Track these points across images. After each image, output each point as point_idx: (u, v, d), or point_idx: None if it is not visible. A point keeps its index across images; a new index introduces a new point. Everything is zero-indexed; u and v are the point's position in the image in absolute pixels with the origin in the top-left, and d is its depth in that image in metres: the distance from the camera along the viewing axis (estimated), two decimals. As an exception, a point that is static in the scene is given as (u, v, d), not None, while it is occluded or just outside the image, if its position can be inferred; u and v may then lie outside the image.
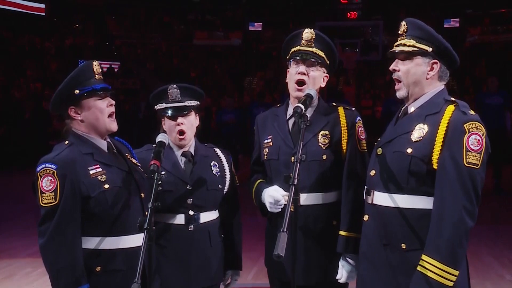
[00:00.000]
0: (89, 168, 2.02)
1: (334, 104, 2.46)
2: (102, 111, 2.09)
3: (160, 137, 2.21)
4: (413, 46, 2.00)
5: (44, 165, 1.98)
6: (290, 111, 2.41)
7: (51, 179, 1.95)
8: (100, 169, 2.04)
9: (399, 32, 2.06)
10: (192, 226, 2.35)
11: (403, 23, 2.05)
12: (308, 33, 2.38)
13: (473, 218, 1.84)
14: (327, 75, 2.43)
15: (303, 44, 2.37)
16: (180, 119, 2.38)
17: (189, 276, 2.34)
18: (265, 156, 2.44)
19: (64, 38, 19.75)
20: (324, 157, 2.31)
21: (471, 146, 1.84)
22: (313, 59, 2.34)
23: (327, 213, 2.31)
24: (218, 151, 2.56)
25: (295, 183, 1.87)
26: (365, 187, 2.12)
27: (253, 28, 23.01)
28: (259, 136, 2.51)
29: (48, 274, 1.98)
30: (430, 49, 1.99)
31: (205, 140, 2.59)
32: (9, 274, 4.69)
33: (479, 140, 1.85)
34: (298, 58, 2.36)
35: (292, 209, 1.86)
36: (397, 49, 2.04)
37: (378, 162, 2.05)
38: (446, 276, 1.81)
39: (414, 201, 1.94)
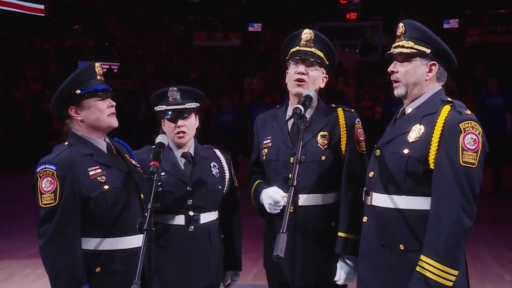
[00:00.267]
0: (88, 169, 2.03)
1: (333, 105, 2.46)
2: (102, 111, 2.09)
3: (159, 138, 2.22)
4: (411, 47, 2.00)
5: (44, 166, 1.98)
6: (289, 112, 2.41)
7: (51, 180, 1.95)
8: (99, 170, 2.05)
9: (397, 33, 2.07)
10: (192, 226, 2.35)
11: (401, 24, 2.05)
12: (307, 34, 2.39)
13: (471, 217, 1.84)
14: (326, 75, 2.44)
15: (302, 44, 2.38)
16: (180, 122, 2.39)
17: (189, 277, 2.35)
18: (264, 157, 2.44)
19: (64, 39, 19.75)
20: (323, 158, 2.31)
21: (467, 146, 1.84)
22: (312, 59, 2.35)
23: (326, 214, 2.32)
24: (217, 152, 2.57)
25: (295, 184, 1.87)
26: (364, 188, 2.12)
27: (252, 29, 23.02)
28: (258, 137, 2.52)
29: (48, 275, 1.98)
30: (428, 51, 1.99)
31: (204, 141, 2.60)
32: (9, 275, 4.69)
33: (475, 139, 1.85)
34: (297, 58, 2.37)
35: (291, 210, 1.86)
36: (396, 50, 2.04)
37: (376, 163, 2.06)
38: (445, 276, 1.81)
39: (412, 202, 1.94)
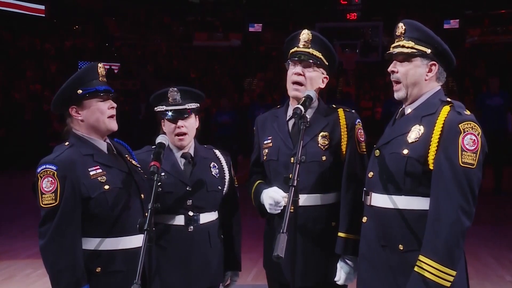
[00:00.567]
0: (89, 169, 2.03)
1: (334, 106, 2.46)
2: (103, 113, 2.09)
3: (160, 139, 2.22)
4: (412, 47, 2.00)
5: (44, 166, 1.98)
6: (290, 112, 2.41)
7: (51, 180, 1.96)
8: (100, 170, 2.05)
9: (397, 33, 2.06)
10: (191, 227, 2.35)
11: (401, 24, 2.05)
12: (305, 34, 2.39)
13: (470, 218, 1.84)
14: (327, 76, 2.44)
15: (300, 45, 2.38)
16: (180, 122, 2.39)
17: (189, 277, 2.35)
18: (265, 157, 2.44)
19: (64, 40, 19.75)
20: (324, 158, 2.31)
21: (467, 146, 1.84)
22: (310, 60, 2.35)
23: (326, 214, 2.32)
24: (217, 152, 2.57)
25: (295, 184, 1.87)
26: (364, 188, 2.12)
27: (253, 29, 23.04)
28: (258, 137, 2.52)
29: (48, 275, 1.98)
30: (429, 51, 1.99)
31: (203, 142, 2.60)
32: (9, 275, 4.70)
33: (474, 140, 1.85)
34: (295, 59, 2.37)
35: (291, 210, 1.86)
36: (396, 50, 2.04)
37: (376, 163, 2.06)
38: (443, 277, 1.81)
39: (411, 202, 1.94)
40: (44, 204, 1.96)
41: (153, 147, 2.28)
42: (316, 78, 2.38)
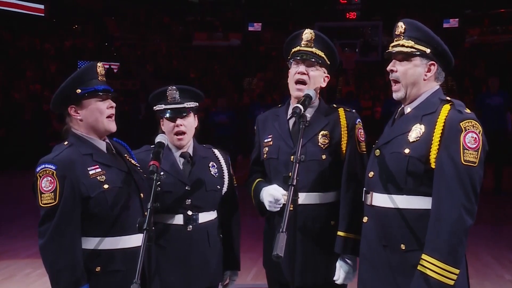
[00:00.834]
0: (88, 169, 2.03)
1: (334, 105, 2.47)
2: (101, 112, 2.09)
3: (159, 138, 2.22)
4: (411, 47, 2.00)
5: (43, 166, 1.98)
6: (290, 111, 2.41)
7: (50, 180, 1.95)
8: (99, 170, 2.05)
9: (396, 32, 2.06)
10: (190, 226, 2.35)
11: (400, 23, 2.05)
12: (307, 34, 2.40)
13: (472, 216, 1.84)
14: (328, 75, 2.45)
15: (303, 44, 2.38)
16: (179, 121, 2.39)
17: (189, 276, 2.35)
18: (265, 155, 2.44)
19: (63, 39, 19.74)
20: (324, 157, 2.31)
21: (468, 144, 1.85)
22: (313, 59, 2.36)
23: (325, 213, 2.32)
24: (216, 152, 2.57)
25: (294, 183, 1.87)
26: (364, 188, 2.12)
27: (252, 29, 23.03)
28: (259, 135, 2.52)
29: (48, 274, 1.98)
30: (428, 51, 1.99)
31: (202, 141, 2.59)
32: (9, 275, 4.69)
33: (475, 138, 1.85)
34: (298, 58, 2.37)
35: (291, 209, 1.86)
36: (395, 49, 2.04)
37: (376, 163, 2.05)
38: (447, 275, 1.81)
39: (412, 202, 1.94)
40: (44, 204, 1.96)
41: (152, 146, 2.28)
42: (319, 77, 2.39)
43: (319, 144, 2.33)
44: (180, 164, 2.42)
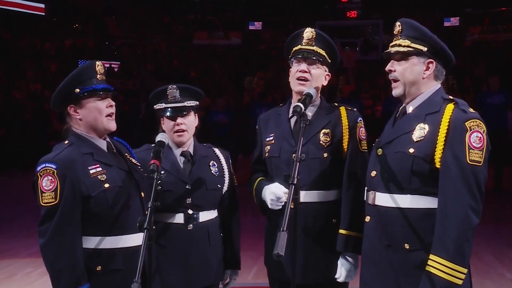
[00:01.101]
0: (89, 168, 2.02)
1: (335, 104, 2.48)
2: (101, 112, 2.08)
3: (159, 137, 2.21)
4: (408, 46, 2.00)
5: (44, 165, 1.98)
6: (292, 110, 2.42)
7: (51, 179, 1.95)
8: (100, 169, 2.04)
9: (394, 32, 2.07)
10: (191, 225, 2.35)
11: (398, 23, 2.05)
12: (309, 32, 2.40)
13: (478, 215, 1.84)
14: (329, 73, 2.45)
15: (304, 43, 2.39)
16: (179, 119, 2.38)
17: (189, 276, 2.35)
18: (267, 154, 2.45)
19: (64, 39, 19.74)
20: (325, 155, 2.32)
21: (473, 144, 1.85)
22: (314, 58, 2.36)
23: (327, 211, 2.32)
24: (217, 151, 2.56)
25: (295, 182, 1.87)
26: (366, 188, 2.11)
27: (253, 28, 23.03)
28: (261, 135, 2.53)
29: (48, 274, 1.98)
30: (425, 49, 1.99)
31: (202, 141, 2.59)
32: (9, 274, 4.70)
33: (480, 137, 1.86)
34: (299, 56, 2.38)
35: (292, 207, 1.86)
36: (393, 49, 2.04)
37: (378, 162, 2.05)
38: (456, 275, 1.81)
39: (415, 201, 1.94)
40: (44, 203, 1.96)
41: (152, 145, 2.27)
42: (320, 76, 2.40)
43: (321, 142, 2.33)
44: (181, 163, 2.42)
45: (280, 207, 2.31)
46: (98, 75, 2.11)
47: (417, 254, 1.90)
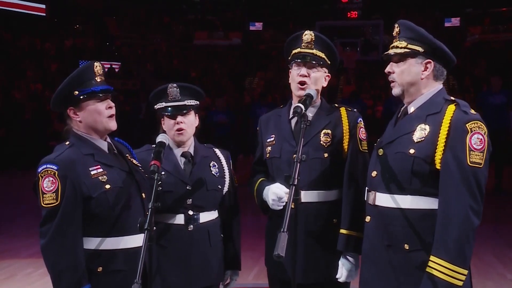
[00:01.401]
0: (90, 169, 2.02)
1: (336, 105, 2.49)
2: (100, 113, 2.08)
3: (160, 137, 2.21)
4: (405, 47, 2.01)
5: (45, 166, 1.97)
6: (292, 111, 2.42)
7: (52, 180, 1.95)
8: (101, 170, 2.04)
9: (393, 34, 2.08)
10: (191, 226, 2.35)
11: (396, 25, 2.07)
12: (308, 35, 2.41)
13: (479, 216, 1.84)
14: (329, 74, 2.46)
15: (303, 46, 2.40)
16: (179, 118, 2.38)
17: (190, 276, 2.35)
18: (268, 155, 2.45)
19: (64, 39, 19.75)
20: (326, 155, 2.33)
21: (474, 146, 1.85)
22: (314, 61, 2.37)
23: (327, 211, 2.33)
24: (217, 151, 2.57)
25: (295, 183, 1.87)
26: (366, 188, 2.11)
27: (254, 28, 23.02)
28: (262, 136, 2.53)
29: (49, 274, 1.98)
30: (422, 49, 1.99)
31: (202, 141, 2.59)
32: (10, 274, 4.70)
33: (481, 139, 1.86)
34: (299, 60, 2.38)
35: (292, 206, 1.87)
36: (391, 51, 2.05)
37: (379, 163, 2.05)
38: (456, 276, 1.81)
39: (416, 202, 1.94)
40: (45, 204, 1.96)
41: (153, 146, 2.27)
42: (320, 78, 2.41)
43: (321, 142, 2.34)
44: (181, 164, 2.42)
45: (282, 207, 2.32)
46: (97, 76, 2.10)
47: (417, 254, 1.91)
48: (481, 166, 1.85)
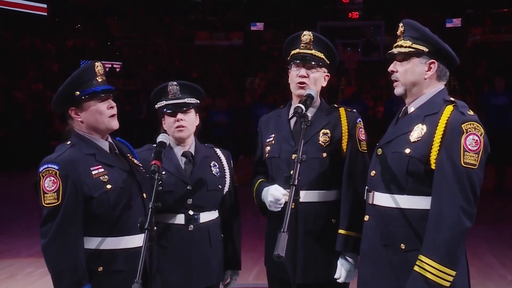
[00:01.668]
0: (91, 169, 2.03)
1: (335, 105, 2.50)
2: (102, 113, 2.08)
3: (160, 137, 2.22)
4: (409, 46, 2.01)
5: (46, 166, 1.98)
6: (292, 111, 2.43)
7: (53, 180, 1.95)
8: (102, 170, 2.04)
9: (397, 33, 2.08)
10: (191, 226, 2.35)
11: (401, 24, 2.07)
12: (306, 36, 2.42)
13: (471, 218, 1.84)
14: (328, 74, 2.47)
15: (302, 46, 2.41)
16: (179, 115, 2.39)
17: (190, 276, 2.35)
18: (267, 155, 2.46)
19: (65, 39, 19.76)
20: (324, 155, 2.33)
21: (469, 147, 1.84)
22: (313, 62, 2.37)
23: (326, 211, 2.33)
24: (218, 151, 2.57)
25: (296, 183, 1.88)
26: (366, 187, 2.12)
27: (255, 28, 23.02)
28: (262, 136, 2.54)
29: (50, 274, 1.98)
30: (426, 49, 1.99)
31: (203, 141, 2.60)
32: (10, 274, 4.70)
33: (477, 140, 1.85)
34: (298, 61, 2.39)
35: (292, 206, 1.87)
36: (395, 50, 2.05)
37: (378, 162, 2.06)
38: (443, 277, 1.82)
39: (414, 202, 1.94)
40: (46, 204, 1.96)
41: (154, 145, 2.28)
42: (319, 78, 2.42)
43: (320, 142, 2.35)
44: (182, 164, 2.42)
45: (279, 209, 2.32)
46: (98, 76, 2.10)
47: (414, 254, 1.90)
48: (475, 167, 1.84)
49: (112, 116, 2.11)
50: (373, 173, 2.07)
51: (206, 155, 2.50)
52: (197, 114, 2.49)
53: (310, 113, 2.14)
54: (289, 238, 1.74)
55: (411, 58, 2.01)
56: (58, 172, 1.95)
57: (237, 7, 24.08)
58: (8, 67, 15.04)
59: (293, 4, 23.73)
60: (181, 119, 2.38)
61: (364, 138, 2.40)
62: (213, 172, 2.46)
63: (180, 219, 2.35)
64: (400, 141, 1.99)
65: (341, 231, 2.27)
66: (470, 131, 1.85)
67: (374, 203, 2.04)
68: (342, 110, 2.43)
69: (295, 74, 2.39)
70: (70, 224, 1.95)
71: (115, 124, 2.12)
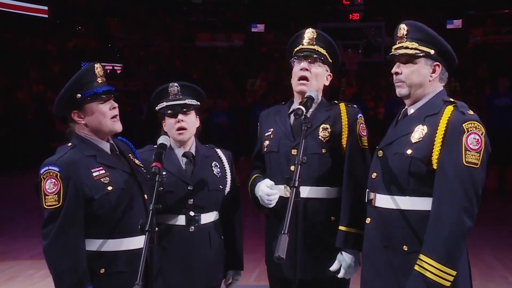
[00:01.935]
0: (92, 170, 2.03)
1: (336, 101, 2.48)
2: (104, 115, 2.08)
3: (161, 139, 2.22)
4: (416, 48, 2.00)
5: (47, 167, 1.98)
6: (294, 106, 2.43)
7: (54, 181, 1.95)
8: (103, 171, 2.04)
9: (398, 35, 2.06)
10: (192, 227, 2.35)
11: (403, 25, 2.05)
12: (310, 32, 2.43)
13: (472, 218, 1.84)
14: (331, 73, 2.46)
15: (305, 42, 2.41)
16: (180, 116, 2.39)
17: (191, 277, 2.35)
18: (266, 149, 2.46)
19: (66, 40, 19.78)
20: (324, 150, 2.32)
21: (470, 146, 1.84)
22: (315, 56, 2.37)
23: (326, 208, 2.32)
24: (219, 151, 2.57)
25: (296, 185, 1.87)
26: (367, 189, 2.11)
27: (255, 30, 23.02)
28: (261, 130, 2.54)
29: (51, 276, 1.98)
30: (433, 51, 1.99)
31: (203, 142, 2.60)
32: (12, 275, 4.70)
33: (478, 139, 1.85)
34: (300, 55, 2.39)
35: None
36: (400, 52, 2.04)
37: (379, 164, 2.06)
38: (443, 276, 1.81)
39: (415, 203, 1.94)
40: (47, 206, 1.96)
41: (154, 146, 2.28)
42: (321, 75, 2.41)
43: (319, 137, 2.33)
44: (183, 164, 2.43)
45: (272, 204, 2.31)
46: (98, 78, 2.10)
47: (416, 256, 1.90)
48: (477, 166, 1.84)
49: (115, 117, 2.11)
50: (374, 175, 2.07)
51: (207, 155, 2.50)
52: (198, 116, 2.49)
53: (310, 109, 2.14)
54: (289, 236, 1.73)
55: (417, 60, 2.01)
56: (59, 174, 1.96)
57: (238, 7, 24.09)
58: (9, 68, 15.06)
59: (294, 4, 23.73)
60: (182, 120, 2.38)
61: (365, 134, 2.38)
62: (214, 172, 2.46)
63: (181, 220, 2.35)
64: (401, 142, 1.99)
65: (341, 228, 2.26)
66: (471, 130, 1.86)
67: (376, 205, 2.04)
68: (342, 106, 2.41)
69: (297, 69, 2.39)
70: (71, 226, 1.95)
71: (118, 126, 2.12)
